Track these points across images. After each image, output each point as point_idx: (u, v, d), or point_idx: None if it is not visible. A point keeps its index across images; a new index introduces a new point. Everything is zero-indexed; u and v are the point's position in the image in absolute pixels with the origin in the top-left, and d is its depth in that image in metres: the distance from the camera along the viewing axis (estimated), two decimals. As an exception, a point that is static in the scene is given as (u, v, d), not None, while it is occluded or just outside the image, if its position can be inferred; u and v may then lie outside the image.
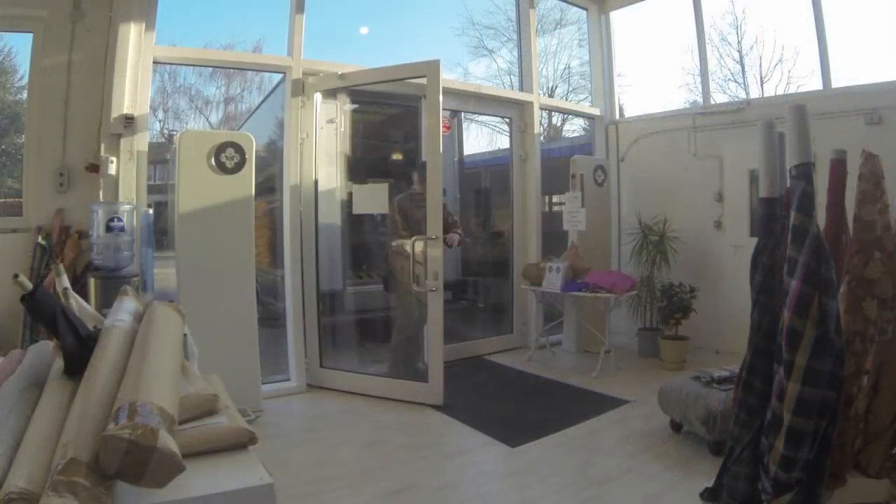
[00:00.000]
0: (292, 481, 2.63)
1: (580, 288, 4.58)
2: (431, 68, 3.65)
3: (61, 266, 1.95)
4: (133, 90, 3.53)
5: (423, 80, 3.74)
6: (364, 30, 5.00)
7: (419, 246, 3.72)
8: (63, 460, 0.86)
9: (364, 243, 5.48)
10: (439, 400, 3.68)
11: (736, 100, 5.19)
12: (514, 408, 3.71)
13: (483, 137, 6.57)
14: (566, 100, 6.24)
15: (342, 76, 4.04)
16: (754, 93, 5.23)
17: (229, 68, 4.85)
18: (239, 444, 1.17)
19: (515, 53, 5.61)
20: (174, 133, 5.50)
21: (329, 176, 4.20)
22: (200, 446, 1.11)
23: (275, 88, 4.86)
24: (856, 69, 4.30)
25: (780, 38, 5.01)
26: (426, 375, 3.81)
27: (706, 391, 2.95)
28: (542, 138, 5.75)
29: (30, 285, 1.40)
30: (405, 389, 3.83)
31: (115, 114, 3.47)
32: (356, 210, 4.07)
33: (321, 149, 4.24)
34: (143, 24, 3.57)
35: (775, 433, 1.94)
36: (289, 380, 4.09)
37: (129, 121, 3.50)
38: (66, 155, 3.55)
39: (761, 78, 5.25)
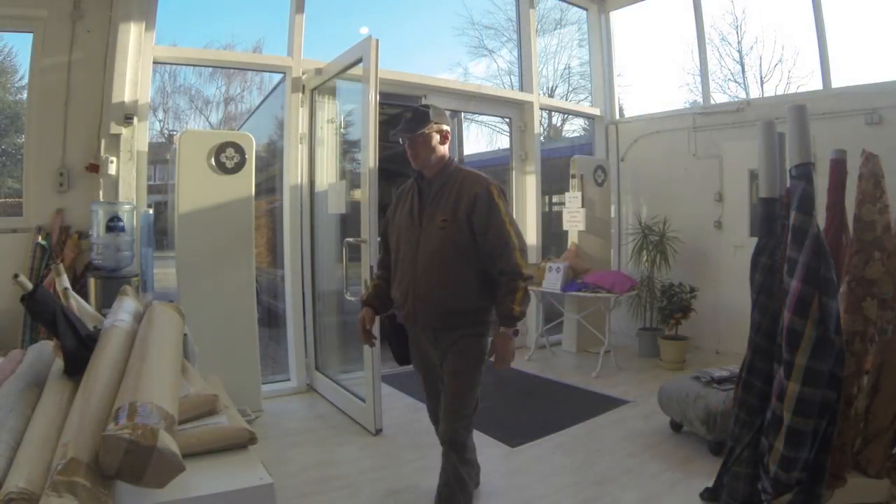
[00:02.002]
0: (292, 481, 2.63)
1: (580, 288, 4.58)
2: (366, 47, 3.21)
3: (61, 266, 1.95)
4: (133, 90, 3.53)
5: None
6: (364, 30, 4.99)
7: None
8: (63, 460, 0.86)
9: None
10: (373, 424, 3.22)
11: (736, 100, 5.19)
12: (514, 408, 3.70)
13: (483, 137, 6.58)
14: (566, 100, 6.25)
15: (318, 71, 4.01)
16: (754, 93, 5.23)
17: (229, 68, 4.85)
18: (239, 444, 1.17)
19: (515, 53, 5.61)
20: (174, 133, 5.49)
21: (330, 176, 4.19)
22: (200, 446, 1.11)
23: (275, 88, 4.86)
24: (856, 69, 4.31)
25: (780, 38, 5.01)
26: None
27: (706, 391, 2.95)
28: (542, 138, 5.75)
29: (30, 285, 1.40)
30: (351, 407, 3.51)
31: (115, 113, 3.47)
32: (330, 210, 4.01)
33: (321, 149, 4.24)
34: (143, 24, 3.57)
35: (775, 433, 1.94)
36: (289, 380, 4.10)
37: (128, 121, 3.50)
38: (66, 155, 3.54)
39: (761, 78, 5.26)
